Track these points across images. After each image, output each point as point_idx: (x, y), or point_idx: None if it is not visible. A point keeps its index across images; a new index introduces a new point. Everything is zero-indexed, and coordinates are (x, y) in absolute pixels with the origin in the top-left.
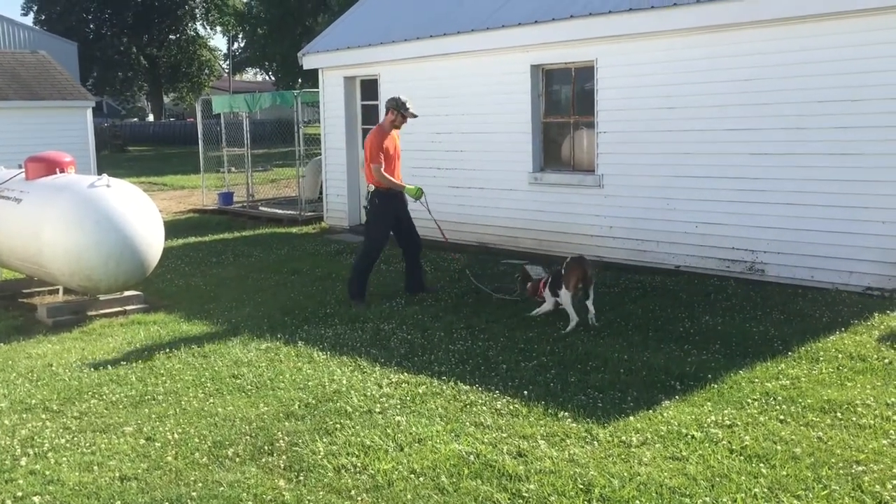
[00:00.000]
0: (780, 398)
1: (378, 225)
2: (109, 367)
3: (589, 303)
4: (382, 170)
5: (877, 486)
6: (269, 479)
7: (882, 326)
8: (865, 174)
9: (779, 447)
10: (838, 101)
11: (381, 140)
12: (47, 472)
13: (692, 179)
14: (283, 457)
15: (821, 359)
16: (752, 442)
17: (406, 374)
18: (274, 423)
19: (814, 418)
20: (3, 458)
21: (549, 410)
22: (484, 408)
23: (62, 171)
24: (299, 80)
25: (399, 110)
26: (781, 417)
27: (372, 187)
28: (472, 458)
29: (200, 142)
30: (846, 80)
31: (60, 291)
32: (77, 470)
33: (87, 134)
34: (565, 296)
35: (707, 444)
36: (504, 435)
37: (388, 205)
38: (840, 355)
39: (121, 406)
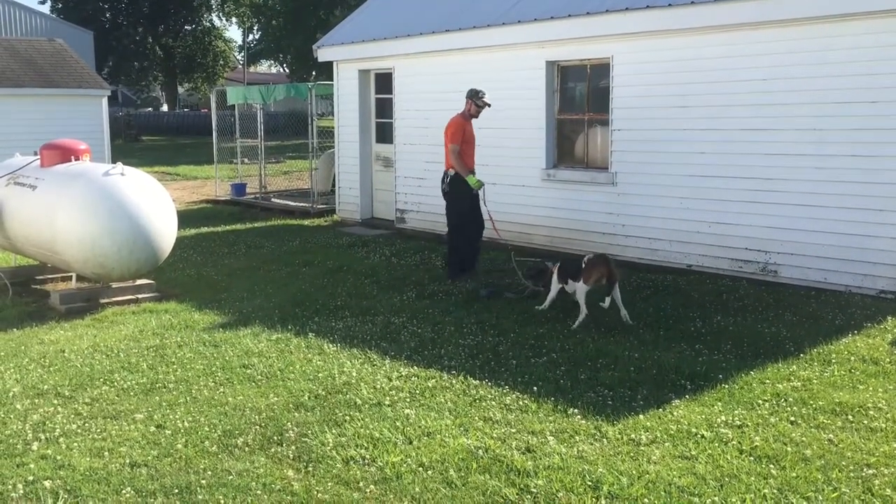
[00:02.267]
0: (791, 400)
1: (458, 202)
2: (121, 355)
3: (619, 302)
4: (458, 153)
5: (887, 490)
6: (277, 469)
7: (895, 330)
8: (880, 176)
9: (789, 448)
10: (855, 102)
11: (463, 126)
12: (58, 458)
13: (706, 179)
14: (293, 447)
15: (833, 361)
16: (762, 443)
17: (416, 367)
18: (283, 414)
19: (825, 420)
20: (15, 442)
21: (559, 407)
22: (493, 403)
23: (77, 158)
24: (314, 73)
25: (473, 100)
26: (792, 419)
27: (453, 171)
28: (480, 452)
29: (214, 133)
30: (864, 82)
31: (73, 278)
32: (88, 455)
33: (102, 122)
34: (581, 289)
35: (717, 444)
36: (513, 430)
37: (466, 184)
38: (852, 358)
39: (132, 393)
